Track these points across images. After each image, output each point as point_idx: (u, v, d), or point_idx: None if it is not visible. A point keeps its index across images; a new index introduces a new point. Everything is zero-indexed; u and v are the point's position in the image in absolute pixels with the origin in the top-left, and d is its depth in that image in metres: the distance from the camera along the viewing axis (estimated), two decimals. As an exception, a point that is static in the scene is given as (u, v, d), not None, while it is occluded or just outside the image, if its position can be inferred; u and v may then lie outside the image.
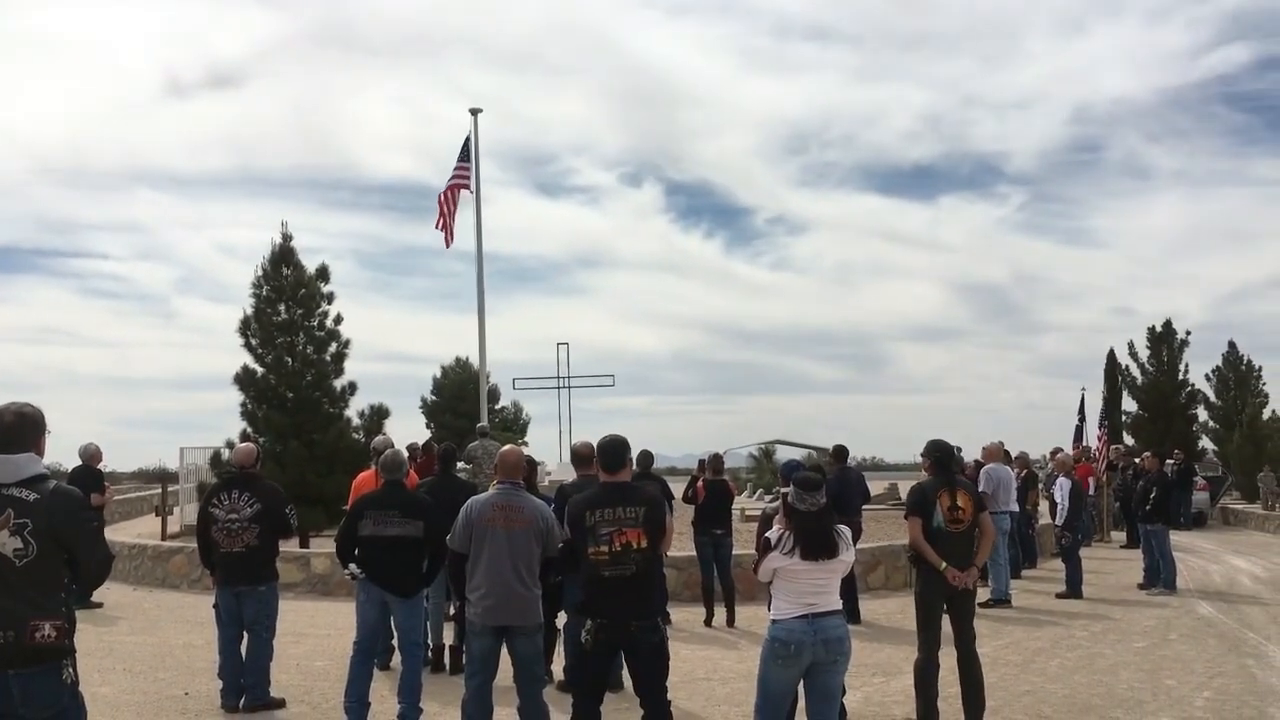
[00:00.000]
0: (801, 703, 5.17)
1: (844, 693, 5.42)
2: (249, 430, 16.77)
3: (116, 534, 16.81)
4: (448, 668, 8.56)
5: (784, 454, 35.68)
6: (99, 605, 11.88)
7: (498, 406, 32.36)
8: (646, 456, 10.63)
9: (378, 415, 18.35)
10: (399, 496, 7.07)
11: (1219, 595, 13.07)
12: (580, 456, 7.40)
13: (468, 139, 18.73)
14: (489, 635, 5.93)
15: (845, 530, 5.05)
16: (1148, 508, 13.73)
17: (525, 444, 25.70)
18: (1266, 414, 35.41)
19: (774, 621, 5.01)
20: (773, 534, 5.12)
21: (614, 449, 5.62)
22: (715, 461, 11.41)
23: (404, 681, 6.90)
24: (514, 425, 32.33)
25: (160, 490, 20.15)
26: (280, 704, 7.50)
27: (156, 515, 19.35)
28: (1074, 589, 12.91)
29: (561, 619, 7.94)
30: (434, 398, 33.82)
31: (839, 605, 4.98)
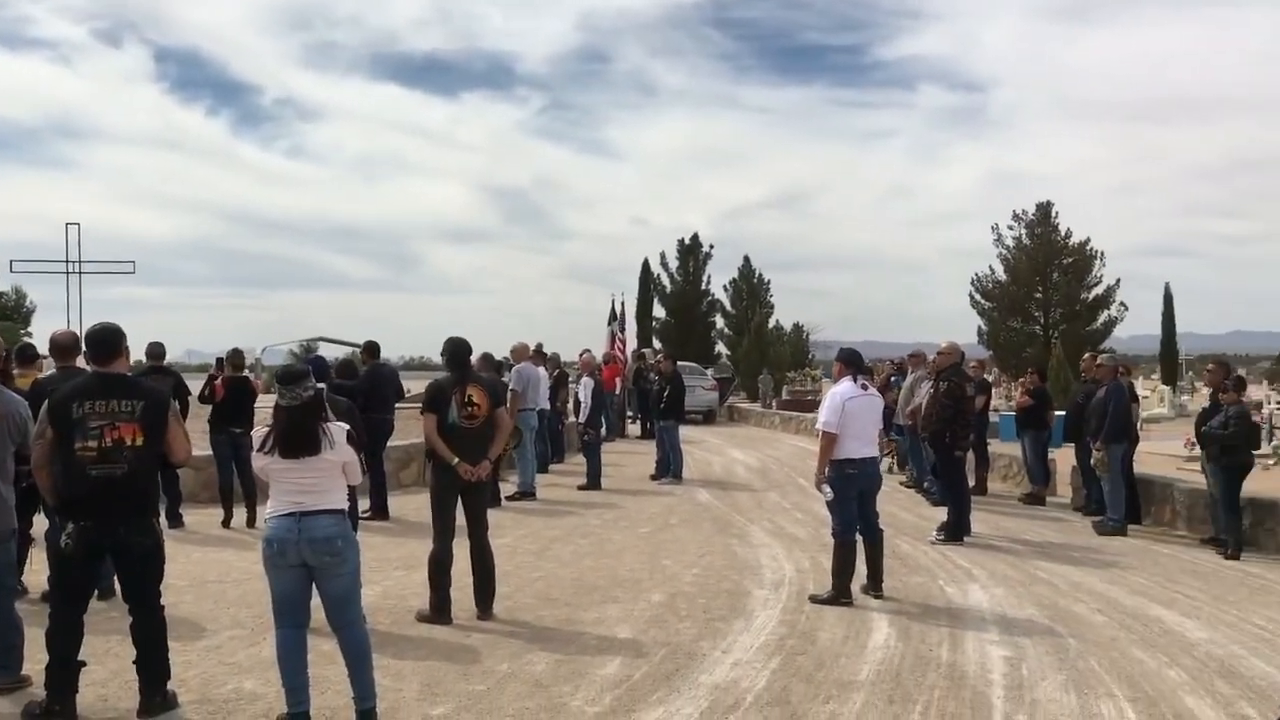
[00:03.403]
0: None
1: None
2: None
3: None
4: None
5: (326, 352, 34.81)
6: None
7: (-6, 292, 28.58)
8: (157, 347, 9.84)
9: None
10: None
11: (717, 484, 14.52)
12: (60, 346, 6.63)
13: None
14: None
15: (337, 427, 4.88)
16: (662, 406, 14.91)
17: (29, 334, 22.95)
18: (771, 323, 39.66)
19: (265, 520, 4.80)
20: (257, 432, 4.88)
21: (105, 336, 5.08)
22: (235, 357, 10.76)
23: None
24: (14, 314, 28.73)
25: None
26: None
27: None
28: (594, 481, 13.76)
29: (39, 525, 7.20)
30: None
31: (334, 505, 4.79)
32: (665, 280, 41.73)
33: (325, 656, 5.47)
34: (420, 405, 7.09)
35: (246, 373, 11.10)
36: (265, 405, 7.46)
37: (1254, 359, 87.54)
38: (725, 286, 42.40)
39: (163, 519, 6.01)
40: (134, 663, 5.02)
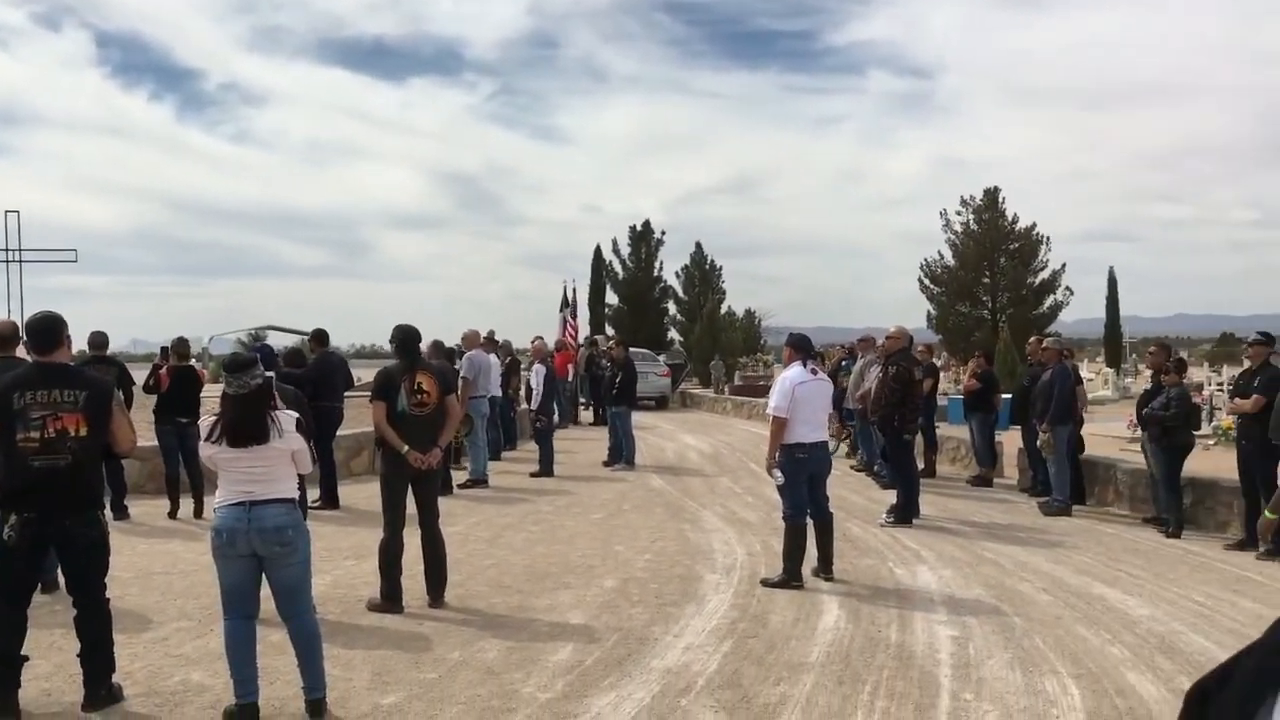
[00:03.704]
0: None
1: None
2: None
3: None
4: None
5: (275, 340, 34.45)
6: None
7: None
8: (99, 337, 9.68)
9: None
10: None
11: (669, 469, 14.57)
12: (-2, 336, 6.50)
13: None
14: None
15: (285, 415, 4.83)
16: (614, 392, 14.92)
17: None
18: (723, 309, 39.75)
19: (214, 510, 4.75)
20: (204, 422, 4.83)
21: (46, 325, 5.00)
22: (181, 346, 10.60)
23: None
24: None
25: None
26: None
27: None
28: (546, 468, 13.74)
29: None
30: None
31: (284, 494, 4.75)
32: (617, 266, 41.68)
33: (274, 647, 5.43)
34: (370, 393, 7.04)
35: (192, 362, 10.94)
36: (212, 395, 7.37)
37: (1195, 341, 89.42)
38: (677, 273, 42.47)
39: (108, 510, 5.93)
40: (78, 656, 4.96)
